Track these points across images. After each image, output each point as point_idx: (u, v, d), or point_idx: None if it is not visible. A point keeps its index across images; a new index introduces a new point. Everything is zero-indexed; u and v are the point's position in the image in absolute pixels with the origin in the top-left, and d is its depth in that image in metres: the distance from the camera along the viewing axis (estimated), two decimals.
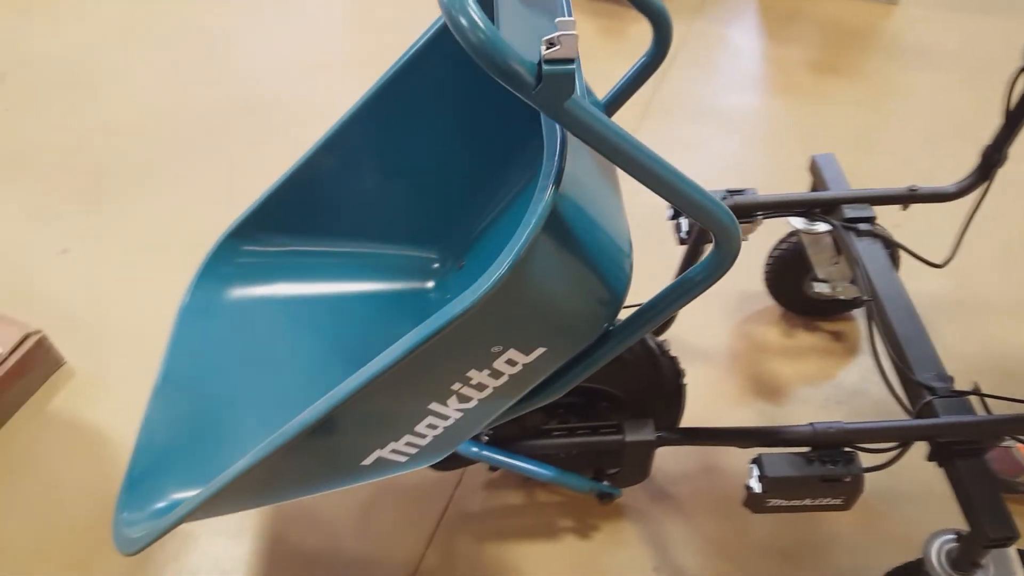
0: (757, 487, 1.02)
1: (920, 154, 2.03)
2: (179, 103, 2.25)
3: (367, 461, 0.84)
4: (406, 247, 1.20)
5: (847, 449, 1.02)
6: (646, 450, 1.09)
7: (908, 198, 1.35)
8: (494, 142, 1.13)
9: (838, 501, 1.03)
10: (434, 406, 0.79)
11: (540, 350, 0.76)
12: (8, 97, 2.28)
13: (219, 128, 2.16)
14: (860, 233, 1.31)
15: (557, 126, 0.69)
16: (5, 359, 1.47)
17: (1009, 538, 0.98)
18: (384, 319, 1.16)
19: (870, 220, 1.33)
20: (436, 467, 1.15)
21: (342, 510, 1.34)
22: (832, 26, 2.50)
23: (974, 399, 1.10)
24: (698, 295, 0.79)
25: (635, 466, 1.12)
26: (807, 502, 1.03)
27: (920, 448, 1.10)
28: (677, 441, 1.07)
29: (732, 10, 2.59)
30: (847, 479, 1.00)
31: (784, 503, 1.03)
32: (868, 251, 1.29)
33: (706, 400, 1.48)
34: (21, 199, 1.95)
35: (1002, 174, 1.27)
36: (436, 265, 1.21)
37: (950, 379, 1.13)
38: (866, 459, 1.04)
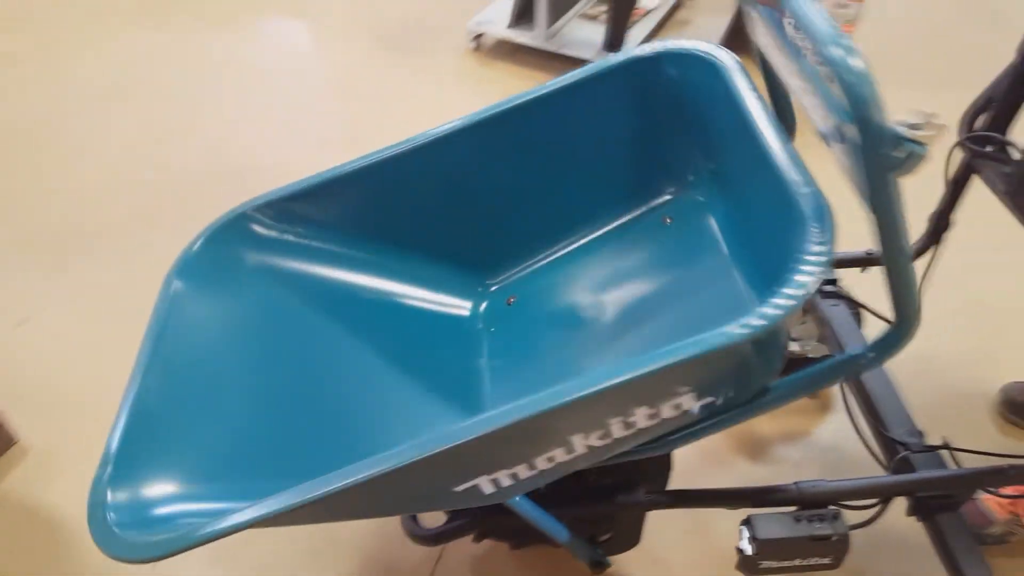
0: (749, 549, 1.04)
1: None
2: (147, 168, 2.26)
3: (460, 487, 0.81)
4: (452, 268, 1.20)
5: (832, 507, 1.06)
6: (638, 513, 1.11)
7: (866, 261, 1.45)
8: (567, 196, 1.19)
9: (827, 560, 1.05)
10: (575, 437, 0.79)
11: (708, 399, 0.81)
12: None
13: (188, 193, 2.17)
14: (825, 294, 1.39)
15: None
16: None
17: None
18: (415, 334, 1.13)
19: (833, 282, 1.41)
20: (424, 542, 1.14)
21: None
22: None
23: (945, 453, 1.16)
24: (863, 372, 0.86)
25: (627, 531, 1.14)
26: (797, 562, 1.06)
27: (898, 503, 1.15)
28: (667, 504, 1.09)
29: None
30: (834, 537, 1.03)
31: (775, 564, 1.05)
32: (834, 311, 1.36)
33: (690, 459, 1.51)
34: None
35: (955, 237, 1.38)
36: (480, 288, 1.21)
37: (921, 434, 1.19)
38: (850, 516, 1.07)
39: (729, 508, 1.11)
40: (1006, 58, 1.20)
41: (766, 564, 1.04)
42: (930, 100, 2.88)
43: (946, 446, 1.16)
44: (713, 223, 1.15)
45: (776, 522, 1.03)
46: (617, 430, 0.80)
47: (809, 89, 0.82)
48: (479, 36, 2.85)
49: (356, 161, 1.06)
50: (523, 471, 0.82)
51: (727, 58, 1.04)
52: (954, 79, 2.73)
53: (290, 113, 2.53)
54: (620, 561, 1.31)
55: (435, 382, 1.09)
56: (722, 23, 2.92)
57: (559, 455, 0.81)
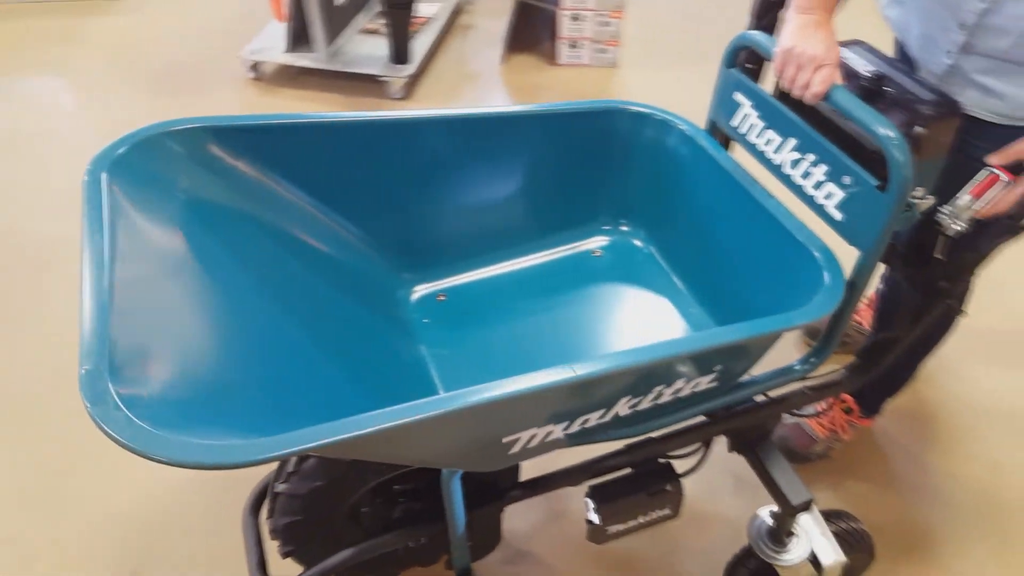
0: (596, 519, 1.11)
1: None
2: None
3: (508, 438, 0.88)
4: (389, 249, 1.23)
5: (662, 461, 1.16)
6: (496, 513, 1.15)
7: None
8: (511, 212, 1.29)
9: (667, 511, 1.15)
10: (623, 399, 0.92)
11: (716, 382, 1.00)
12: None
13: None
14: None
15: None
16: None
17: (808, 503, 1.16)
18: (342, 297, 1.14)
19: None
20: None
21: None
22: (570, 95, 2.85)
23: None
24: (800, 377, 1.11)
25: (488, 533, 1.17)
26: (641, 520, 1.14)
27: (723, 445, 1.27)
28: (520, 496, 1.14)
29: (482, 95, 2.86)
30: (669, 488, 1.13)
31: (622, 527, 1.14)
32: None
33: None
34: None
35: None
36: (411, 278, 1.27)
37: None
38: (681, 468, 1.18)
39: (574, 485, 1.18)
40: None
41: (613, 528, 1.12)
42: (693, 74, 3.16)
43: (752, 380, 1.30)
44: (657, 259, 1.33)
45: (615, 487, 1.12)
46: (646, 402, 0.96)
47: (803, 157, 1.06)
48: (257, 65, 2.80)
49: (335, 115, 1.09)
50: (558, 431, 0.92)
51: (695, 129, 1.23)
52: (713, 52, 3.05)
53: (64, 179, 2.34)
54: (486, 563, 1.35)
55: (383, 353, 1.13)
56: (502, 25, 3.06)
57: (593, 418, 0.94)
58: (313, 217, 1.15)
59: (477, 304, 1.26)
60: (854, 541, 1.28)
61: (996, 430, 1.73)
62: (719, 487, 1.55)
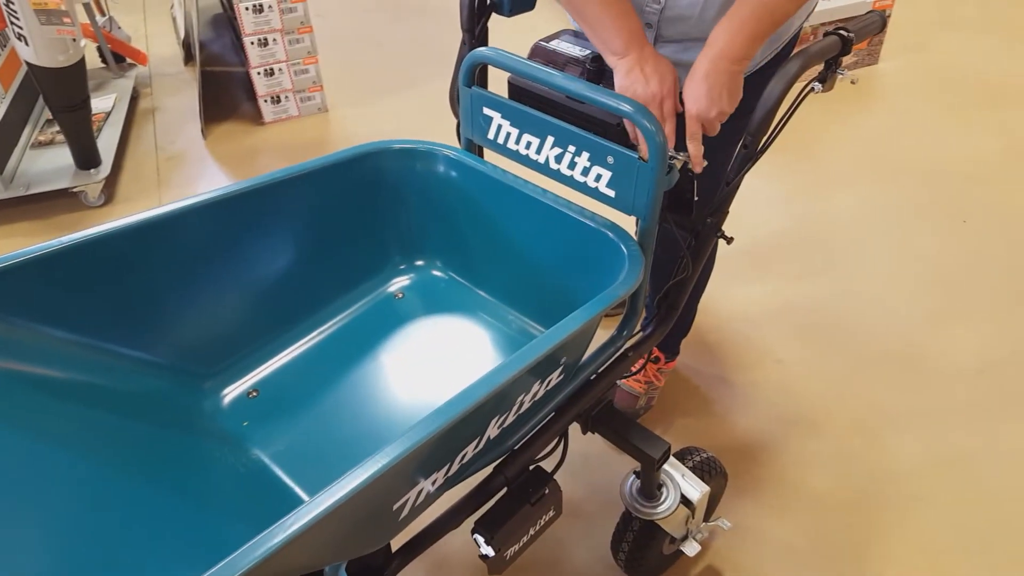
0: (491, 551, 1.09)
1: None
2: None
3: (398, 503, 0.84)
4: (180, 365, 1.12)
5: (531, 467, 1.17)
6: None
7: None
8: (300, 285, 1.23)
9: (552, 513, 1.17)
10: (492, 421, 0.93)
11: (562, 375, 1.05)
12: None
13: None
14: None
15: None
16: None
17: (668, 451, 1.25)
18: (146, 431, 1.02)
19: None
20: None
21: None
22: (289, 149, 2.77)
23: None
24: (624, 347, 1.18)
25: None
26: (532, 532, 1.15)
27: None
28: (405, 561, 1.08)
29: (194, 174, 2.68)
30: (547, 490, 1.15)
31: (518, 546, 1.13)
32: None
33: None
34: None
35: None
36: (212, 385, 1.15)
37: None
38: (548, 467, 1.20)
39: (456, 527, 1.15)
40: (444, 40, 1.41)
41: (510, 552, 1.11)
42: (406, 99, 3.23)
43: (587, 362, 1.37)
44: (460, 282, 1.34)
45: (498, 512, 1.11)
46: (511, 416, 0.98)
47: (565, 150, 1.11)
48: None
49: (70, 237, 0.98)
50: (440, 476, 0.91)
51: (458, 151, 1.24)
52: (417, 75, 3.16)
53: None
54: None
55: (216, 475, 1.03)
56: (191, 99, 2.90)
57: (469, 450, 0.94)
58: (81, 355, 1.00)
59: (294, 387, 1.18)
60: (709, 469, 1.40)
61: (767, 332, 1.99)
62: (574, 471, 1.61)
